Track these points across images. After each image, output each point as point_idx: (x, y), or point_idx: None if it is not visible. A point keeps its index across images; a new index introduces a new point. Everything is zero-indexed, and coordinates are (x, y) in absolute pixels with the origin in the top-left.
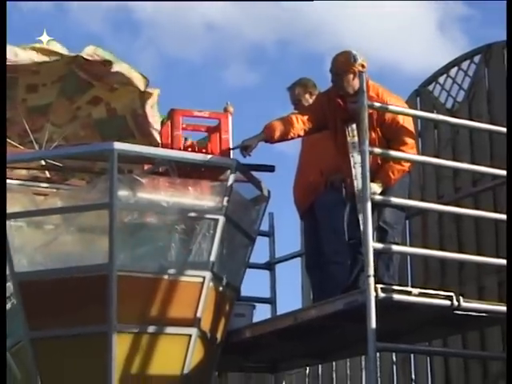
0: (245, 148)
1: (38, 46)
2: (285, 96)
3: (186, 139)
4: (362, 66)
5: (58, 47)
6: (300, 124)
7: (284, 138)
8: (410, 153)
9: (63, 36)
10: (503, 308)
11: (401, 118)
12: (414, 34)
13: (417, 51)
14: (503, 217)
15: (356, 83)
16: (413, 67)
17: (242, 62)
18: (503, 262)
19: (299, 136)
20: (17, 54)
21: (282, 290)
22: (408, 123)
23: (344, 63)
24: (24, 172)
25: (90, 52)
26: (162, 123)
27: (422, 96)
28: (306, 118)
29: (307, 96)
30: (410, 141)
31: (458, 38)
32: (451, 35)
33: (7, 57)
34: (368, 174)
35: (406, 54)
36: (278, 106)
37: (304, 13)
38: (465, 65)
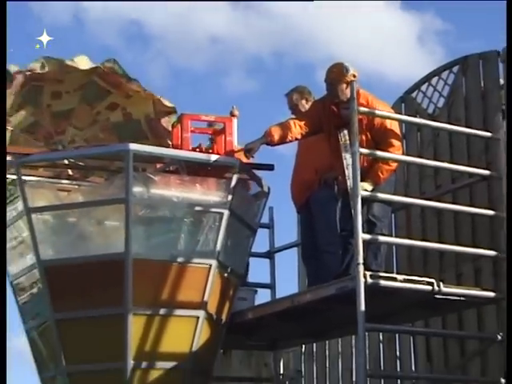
0: (248, 151)
1: (64, 61)
2: (282, 101)
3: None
4: (354, 75)
5: (84, 62)
6: (297, 128)
7: (283, 141)
8: (396, 153)
9: (80, 48)
10: (479, 292)
11: (388, 123)
12: (397, 46)
13: (400, 62)
14: (479, 211)
15: (349, 92)
16: (396, 77)
17: (242, 71)
18: (478, 251)
19: (297, 139)
20: (44, 67)
21: (280, 276)
22: (394, 127)
23: (337, 74)
24: (49, 170)
25: (108, 65)
26: (173, 126)
27: (406, 102)
28: (303, 122)
29: (303, 102)
30: (396, 143)
31: (436, 50)
32: (430, 48)
33: (35, 68)
34: (358, 172)
35: (391, 65)
36: (275, 111)
37: (296, 26)
38: (444, 74)
